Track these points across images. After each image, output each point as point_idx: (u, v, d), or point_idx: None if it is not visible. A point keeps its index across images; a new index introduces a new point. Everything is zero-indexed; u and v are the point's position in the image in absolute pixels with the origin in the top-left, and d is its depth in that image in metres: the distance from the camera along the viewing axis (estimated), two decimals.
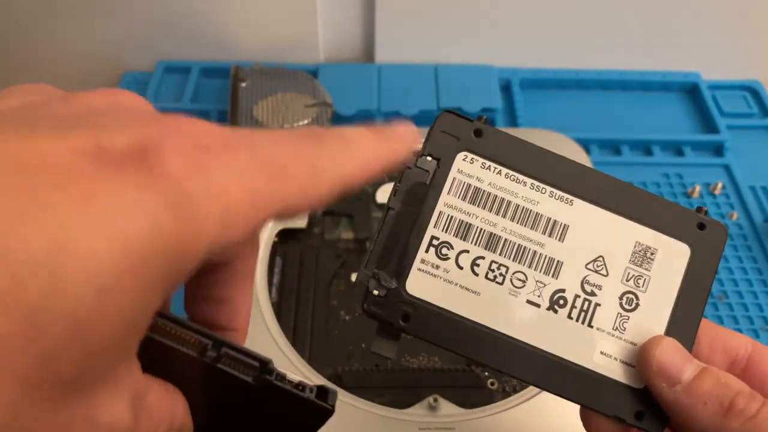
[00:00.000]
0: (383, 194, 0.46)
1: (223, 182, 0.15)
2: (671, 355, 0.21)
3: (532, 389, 0.35)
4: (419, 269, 0.22)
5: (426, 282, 0.21)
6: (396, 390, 0.36)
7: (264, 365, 0.18)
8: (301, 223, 0.42)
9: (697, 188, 0.49)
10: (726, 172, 0.51)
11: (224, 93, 0.53)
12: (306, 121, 0.48)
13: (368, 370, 0.37)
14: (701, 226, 0.23)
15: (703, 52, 0.57)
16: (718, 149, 0.53)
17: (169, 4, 0.54)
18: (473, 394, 0.36)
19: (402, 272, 0.21)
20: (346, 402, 0.33)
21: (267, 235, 0.41)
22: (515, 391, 0.36)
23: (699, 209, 0.23)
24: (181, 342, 0.18)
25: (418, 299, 0.21)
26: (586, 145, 0.51)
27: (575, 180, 0.22)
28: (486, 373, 0.37)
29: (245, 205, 0.15)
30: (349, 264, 0.42)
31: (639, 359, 0.22)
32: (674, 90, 0.58)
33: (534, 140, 0.23)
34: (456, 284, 0.22)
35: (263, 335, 0.35)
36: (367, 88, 0.54)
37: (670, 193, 0.49)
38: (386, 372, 0.37)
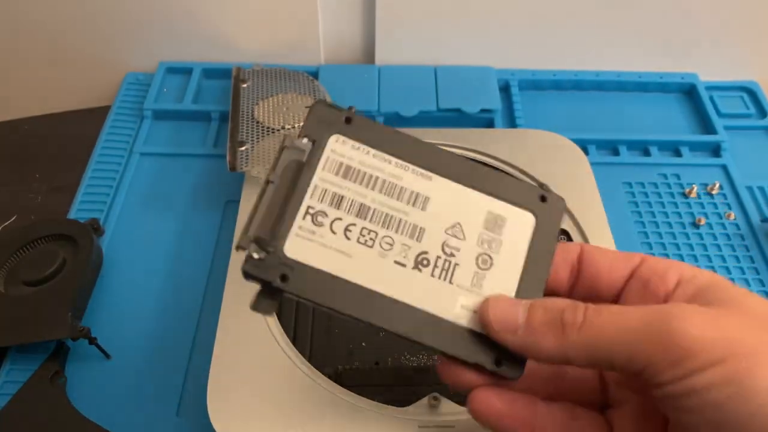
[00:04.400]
0: None
1: None
2: (502, 308, 0.23)
3: None
4: (297, 234, 0.24)
5: (303, 246, 0.23)
6: (396, 388, 0.36)
7: None
8: None
9: (695, 188, 0.50)
10: (723, 172, 0.52)
11: (226, 94, 0.54)
12: None
13: (369, 369, 0.38)
14: (543, 199, 0.26)
15: (701, 53, 0.57)
16: (716, 150, 0.53)
17: (171, 5, 0.54)
18: None
19: (281, 237, 0.23)
20: (346, 401, 0.34)
21: None
22: None
23: (541, 185, 0.26)
24: None
25: (296, 261, 0.23)
26: (584, 145, 0.51)
27: (433, 159, 0.25)
28: None
29: None
30: None
31: (480, 321, 0.24)
32: (672, 91, 0.58)
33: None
34: (330, 247, 0.24)
35: (264, 334, 0.36)
36: (367, 90, 0.55)
37: (668, 193, 0.50)
38: (386, 370, 0.38)
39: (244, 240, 0.23)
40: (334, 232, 0.24)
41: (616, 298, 0.25)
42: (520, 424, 0.24)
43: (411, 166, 0.25)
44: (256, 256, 0.23)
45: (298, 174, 0.24)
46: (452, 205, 0.25)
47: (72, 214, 0.47)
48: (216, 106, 0.54)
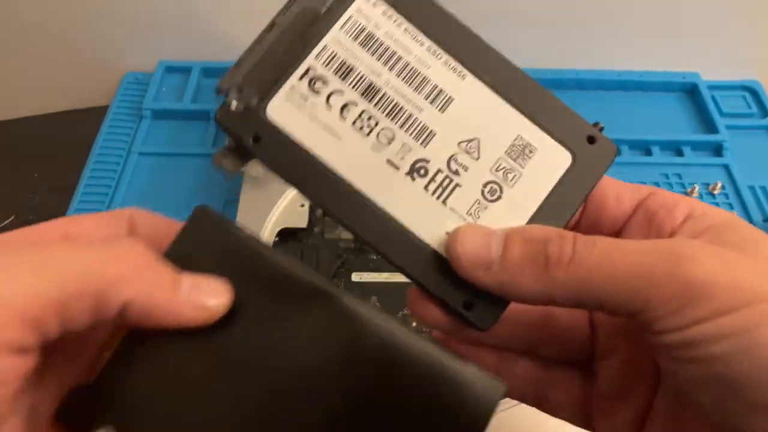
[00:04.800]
0: None
1: None
2: (473, 239, 0.20)
3: None
4: (286, 95, 0.20)
5: (289, 110, 0.20)
6: None
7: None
8: (301, 222, 0.42)
9: (697, 188, 0.49)
10: (725, 172, 0.51)
11: None
12: None
13: None
14: (591, 140, 0.21)
15: (703, 52, 0.57)
16: (718, 149, 0.53)
17: (170, 4, 0.54)
18: None
19: (267, 93, 0.20)
20: None
21: (267, 235, 0.41)
22: None
23: (596, 124, 0.22)
24: None
25: (276, 125, 0.20)
26: None
27: (476, 56, 0.21)
28: None
29: None
30: (349, 264, 0.42)
31: (448, 255, 0.20)
32: (674, 90, 0.58)
33: None
34: (319, 122, 0.20)
35: None
36: None
37: None
38: None
39: (226, 83, 0.20)
40: (329, 106, 0.20)
41: (618, 233, 0.22)
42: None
43: (446, 56, 0.21)
44: (234, 105, 0.20)
45: (309, 25, 0.20)
46: (478, 115, 0.21)
47: (70, 214, 0.47)
48: (215, 105, 0.54)
